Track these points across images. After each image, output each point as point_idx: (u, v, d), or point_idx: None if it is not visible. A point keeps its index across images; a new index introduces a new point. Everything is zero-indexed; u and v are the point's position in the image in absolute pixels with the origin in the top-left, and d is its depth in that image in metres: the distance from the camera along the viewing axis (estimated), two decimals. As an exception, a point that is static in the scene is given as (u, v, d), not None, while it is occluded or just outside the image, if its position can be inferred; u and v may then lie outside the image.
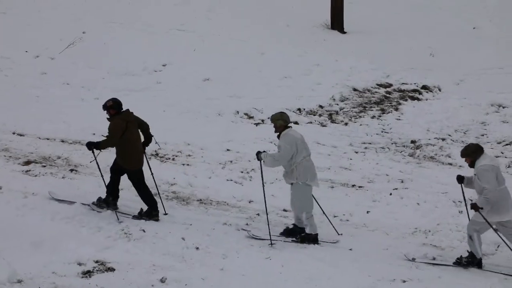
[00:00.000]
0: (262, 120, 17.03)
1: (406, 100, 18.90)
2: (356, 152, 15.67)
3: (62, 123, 15.69)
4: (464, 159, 10.95)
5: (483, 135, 16.78)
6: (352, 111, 18.04)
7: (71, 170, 13.56)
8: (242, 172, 14.14)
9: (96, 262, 9.91)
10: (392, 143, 16.25)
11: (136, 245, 10.58)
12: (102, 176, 11.75)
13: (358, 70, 20.40)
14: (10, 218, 11.03)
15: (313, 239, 11.36)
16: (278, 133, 11.32)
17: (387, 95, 19.16)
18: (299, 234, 11.46)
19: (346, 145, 16.00)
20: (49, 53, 19.83)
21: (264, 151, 11.40)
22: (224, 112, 17.27)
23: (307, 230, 11.35)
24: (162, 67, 19.79)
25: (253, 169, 14.33)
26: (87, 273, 9.62)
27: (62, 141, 14.88)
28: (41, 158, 13.97)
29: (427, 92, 19.37)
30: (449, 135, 16.77)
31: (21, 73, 18.58)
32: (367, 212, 12.92)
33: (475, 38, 23.53)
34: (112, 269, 9.78)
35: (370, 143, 16.21)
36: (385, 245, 11.66)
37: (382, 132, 16.90)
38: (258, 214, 12.38)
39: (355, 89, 19.26)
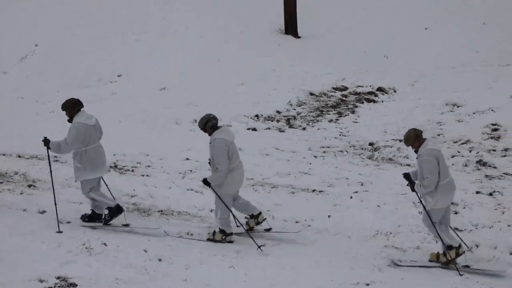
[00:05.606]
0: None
1: (362, 102, 19.03)
2: (315, 157, 15.71)
3: (17, 138, 15.50)
4: None
5: (439, 135, 16.93)
6: (309, 115, 18.10)
7: (29, 186, 13.40)
8: (202, 181, 14.09)
9: (58, 278, 9.80)
10: (350, 146, 16.34)
11: (98, 259, 10.48)
12: None
13: (313, 74, 20.48)
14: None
15: None
16: None
17: (344, 98, 19.28)
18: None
19: (305, 150, 16.04)
20: (1, 67, 19.59)
21: None
22: (181, 121, 17.21)
23: None
24: (117, 78, 19.68)
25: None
26: (49, 290, 9.51)
27: (19, 156, 14.71)
28: (-3, 174, 13.81)
29: (382, 94, 19.53)
30: (406, 136, 16.89)
31: (-26, 88, 18.35)
32: (328, 216, 12.96)
33: (428, 38, 23.78)
34: (74, 285, 9.68)
35: (328, 147, 16.28)
36: (347, 249, 11.71)
37: (340, 135, 16.96)
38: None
39: (311, 94, 19.34)
